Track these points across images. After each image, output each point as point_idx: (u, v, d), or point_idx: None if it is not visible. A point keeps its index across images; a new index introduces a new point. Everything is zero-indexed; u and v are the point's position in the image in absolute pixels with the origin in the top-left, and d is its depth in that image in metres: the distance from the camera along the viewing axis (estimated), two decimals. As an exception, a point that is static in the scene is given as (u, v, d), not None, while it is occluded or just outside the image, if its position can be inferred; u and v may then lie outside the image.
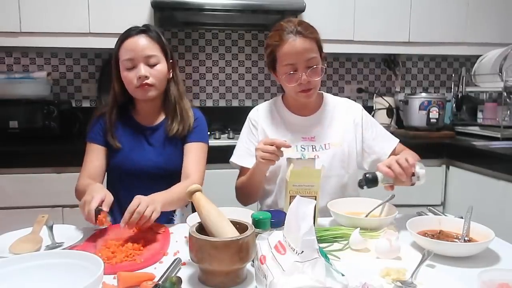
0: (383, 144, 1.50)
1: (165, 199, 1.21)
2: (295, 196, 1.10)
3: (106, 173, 1.47)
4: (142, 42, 1.35)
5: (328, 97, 1.55)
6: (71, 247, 1.04)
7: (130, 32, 1.37)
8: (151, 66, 1.36)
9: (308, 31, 1.35)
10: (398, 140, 1.53)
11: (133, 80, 1.34)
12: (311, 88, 1.37)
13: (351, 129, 1.48)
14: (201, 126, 1.48)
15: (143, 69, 1.33)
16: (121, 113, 1.45)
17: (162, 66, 1.38)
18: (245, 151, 1.49)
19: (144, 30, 1.38)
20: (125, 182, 1.43)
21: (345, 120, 1.49)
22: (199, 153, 1.43)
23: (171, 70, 1.43)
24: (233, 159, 1.50)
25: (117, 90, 1.42)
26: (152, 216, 1.09)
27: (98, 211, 1.08)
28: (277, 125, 1.48)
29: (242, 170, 1.49)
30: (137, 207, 1.07)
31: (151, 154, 1.42)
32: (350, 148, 1.46)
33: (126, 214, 1.07)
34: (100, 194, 1.11)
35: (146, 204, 1.09)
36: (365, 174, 1.24)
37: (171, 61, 1.43)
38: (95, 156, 1.41)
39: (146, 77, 1.34)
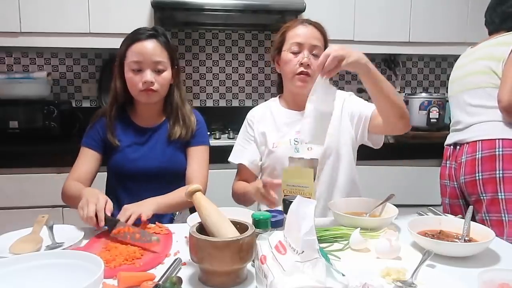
0: (363, 106, 1.47)
1: (160, 203, 1.27)
2: (289, 195, 1.11)
3: (105, 176, 1.48)
4: (151, 47, 1.35)
5: None
6: (72, 248, 1.04)
7: (140, 36, 1.36)
8: (158, 72, 1.36)
9: (319, 26, 1.46)
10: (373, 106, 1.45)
11: (138, 83, 1.35)
12: (309, 73, 1.40)
13: (340, 118, 1.49)
14: (202, 128, 1.50)
15: (149, 75, 1.34)
16: (119, 115, 1.45)
17: (167, 73, 1.39)
18: (240, 149, 1.56)
19: (154, 34, 1.37)
20: (126, 183, 1.42)
21: (336, 111, 1.46)
22: (202, 156, 1.47)
23: (174, 76, 1.43)
24: (230, 158, 1.57)
25: (118, 90, 1.42)
26: (135, 212, 1.17)
27: (113, 222, 1.12)
28: (272, 123, 1.52)
29: (239, 167, 1.56)
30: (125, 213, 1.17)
31: (151, 155, 1.42)
32: (343, 138, 1.47)
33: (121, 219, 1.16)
34: (103, 198, 1.15)
35: (130, 213, 1.17)
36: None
37: (175, 67, 1.43)
38: (86, 161, 1.41)
39: (152, 83, 1.35)
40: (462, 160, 1.77)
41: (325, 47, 1.45)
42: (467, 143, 1.76)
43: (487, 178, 1.68)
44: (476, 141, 1.72)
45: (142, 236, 1.06)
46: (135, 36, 1.36)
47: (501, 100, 1.67)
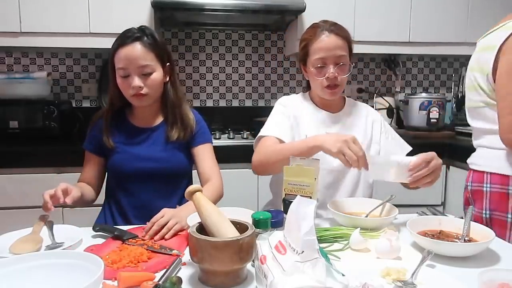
0: (396, 148, 1.53)
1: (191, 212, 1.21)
2: (290, 194, 1.11)
3: (105, 178, 1.49)
4: (135, 51, 1.32)
5: (349, 100, 1.61)
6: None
7: (125, 40, 1.34)
8: (145, 75, 1.34)
9: (341, 31, 1.44)
10: (410, 148, 1.54)
11: (127, 89, 1.35)
12: (337, 84, 1.42)
13: (370, 132, 1.53)
14: (204, 127, 1.50)
15: (136, 81, 1.33)
16: (117, 116, 1.45)
17: (156, 75, 1.36)
18: (274, 124, 1.47)
19: (138, 37, 1.34)
20: (124, 183, 1.42)
21: (366, 122, 1.54)
22: (211, 154, 1.48)
23: (167, 74, 1.42)
24: (262, 133, 1.46)
25: (113, 94, 1.42)
26: (175, 227, 1.14)
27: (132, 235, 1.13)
28: (306, 115, 1.51)
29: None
30: (160, 219, 1.15)
31: (149, 155, 1.41)
32: (368, 148, 1.50)
33: (149, 224, 1.15)
34: (64, 184, 1.19)
35: (170, 217, 1.16)
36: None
37: (168, 64, 1.41)
38: (88, 166, 1.45)
39: (140, 88, 1.34)
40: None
41: (350, 49, 1.45)
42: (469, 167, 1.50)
43: (476, 216, 1.41)
44: (471, 169, 1.47)
45: (161, 248, 1.05)
46: (120, 41, 1.35)
47: (501, 138, 1.34)
